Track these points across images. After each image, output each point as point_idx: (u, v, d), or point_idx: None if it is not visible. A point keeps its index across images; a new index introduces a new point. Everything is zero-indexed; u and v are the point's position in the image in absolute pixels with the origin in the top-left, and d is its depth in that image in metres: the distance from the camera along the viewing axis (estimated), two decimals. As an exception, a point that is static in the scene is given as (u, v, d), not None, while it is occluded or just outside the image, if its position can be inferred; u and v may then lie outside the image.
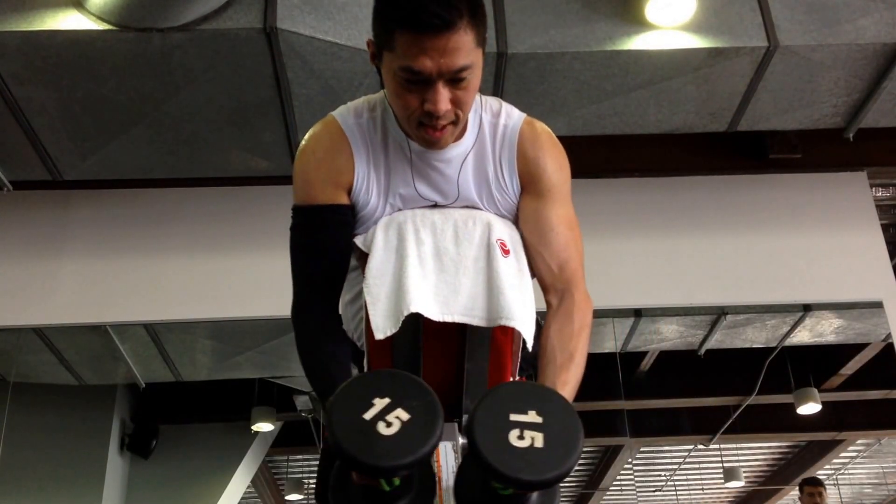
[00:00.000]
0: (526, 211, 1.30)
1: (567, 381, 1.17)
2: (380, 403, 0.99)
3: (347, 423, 0.98)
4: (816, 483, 4.65)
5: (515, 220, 1.34)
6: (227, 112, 3.04)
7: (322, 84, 2.88)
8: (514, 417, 0.99)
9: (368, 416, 0.98)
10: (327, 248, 1.27)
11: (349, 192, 1.27)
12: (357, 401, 1.00)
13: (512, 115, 1.32)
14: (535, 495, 1.06)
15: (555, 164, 1.31)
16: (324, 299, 1.27)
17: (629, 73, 3.05)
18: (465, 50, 1.13)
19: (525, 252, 1.29)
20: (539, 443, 0.97)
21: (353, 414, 0.99)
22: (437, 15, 1.10)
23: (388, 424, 0.98)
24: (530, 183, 1.30)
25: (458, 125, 1.22)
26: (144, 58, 2.75)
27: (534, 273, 1.29)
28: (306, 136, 1.31)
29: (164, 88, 2.89)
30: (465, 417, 1.29)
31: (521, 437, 0.98)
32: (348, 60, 2.80)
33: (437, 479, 1.16)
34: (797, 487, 4.78)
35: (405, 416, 0.98)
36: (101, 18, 2.64)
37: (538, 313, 1.27)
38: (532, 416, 1.00)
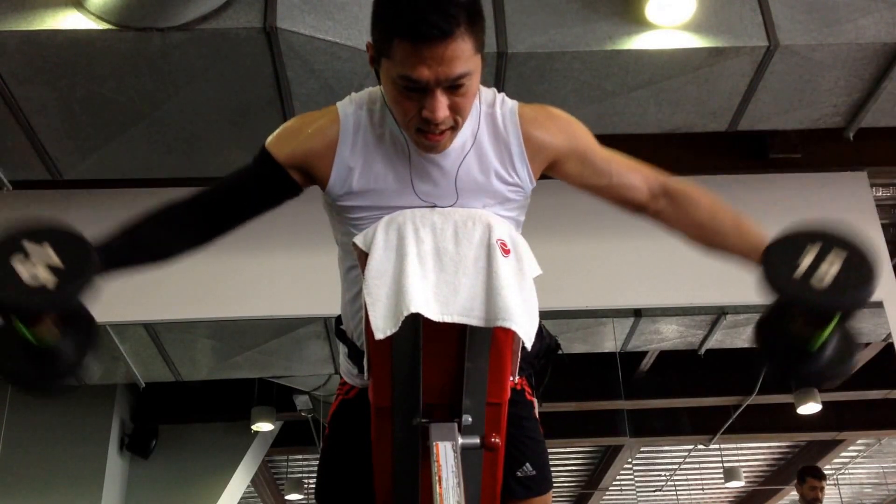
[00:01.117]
0: (574, 171, 1.35)
1: (750, 227, 1.28)
2: (30, 249, 1.05)
3: None
4: (820, 476, 4.32)
5: (521, 207, 1.36)
6: (227, 112, 3.04)
7: (322, 84, 2.88)
8: (807, 257, 1.06)
9: (15, 260, 1.03)
10: (247, 190, 1.31)
11: (311, 176, 1.30)
12: (9, 245, 1.06)
13: (506, 103, 1.33)
14: (832, 347, 1.10)
15: (572, 123, 1.35)
16: (198, 210, 1.31)
17: (629, 73, 3.05)
18: (464, 58, 1.14)
19: (608, 199, 1.37)
20: (840, 266, 1.04)
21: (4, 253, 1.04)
22: (435, 25, 1.10)
23: (32, 269, 1.03)
24: (556, 155, 1.33)
25: (457, 130, 1.23)
26: (144, 57, 2.74)
27: (627, 206, 1.37)
28: (310, 112, 1.34)
29: (164, 88, 2.89)
30: (465, 418, 1.28)
31: (823, 273, 1.04)
32: (348, 60, 2.80)
33: (437, 478, 1.16)
34: (796, 475, 4.47)
35: (56, 261, 1.05)
36: (100, 18, 2.64)
37: (543, 312, 1.27)
38: (817, 249, 1.07)
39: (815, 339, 1.09)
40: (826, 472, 7.93)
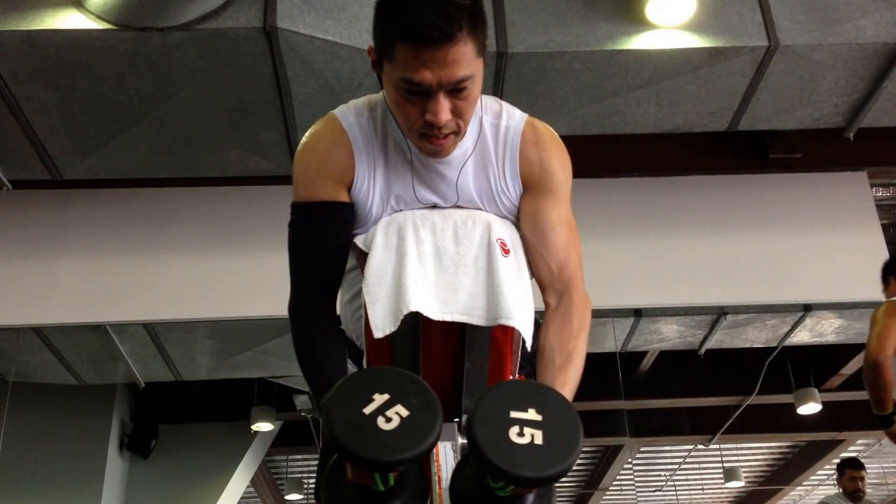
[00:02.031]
0: (526, 210, 1.30)
1: (566, 381, 1.17)
2: (379, 399, 0.99)
3: (347, 417, 0.98)
4: (858, 466, 4.29)
5: (516, 220, 1.34)
6: (227, 112, 3.04)
7: (322, 83, 2.88)
8: (514, 414, 0.99)
9: (368, 410, 0.98)
10: (327, 245, 1.27)
11: (349, 189, 1.27)
12: (357, 396, 1.00)
13: (513, 117, 1.31)
14: (531, 496, 1.06)
15: (557, 165, 1.31)
16: (321, 296, 1.26)
17: (629, 73, 3.05)
18: (466, 61, 1.13)
19: (526, 251, 1.29)
20: (539, 440, 0.98)
21: (352, 408, 0.99)
22: (436, 28, 1.09)
23: (388, 420, 0.98)
24: (532, 183, 1.30)
25: (460, 135, 1.22)
26: (144, 57, 2.74)
27: (533, 273, 1.29)
28: (307, 134, 1.31)
29: (164, 88, 2.89)
30: (465, 417, 1.29)
31: (521, 434, 0.98)
32: (348, 60, 2.80)
33: (437, 478, 1.16)
34: (835, 469, 4.42)
35: (405, 412, 0.98)
36: (100, 18, 2.64)
37: (537, 312, 1.27)
38: (532, 414, 1.00)
39: (503, 490, 1.03)
40: (826, 472, 7.95)
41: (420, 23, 1.09)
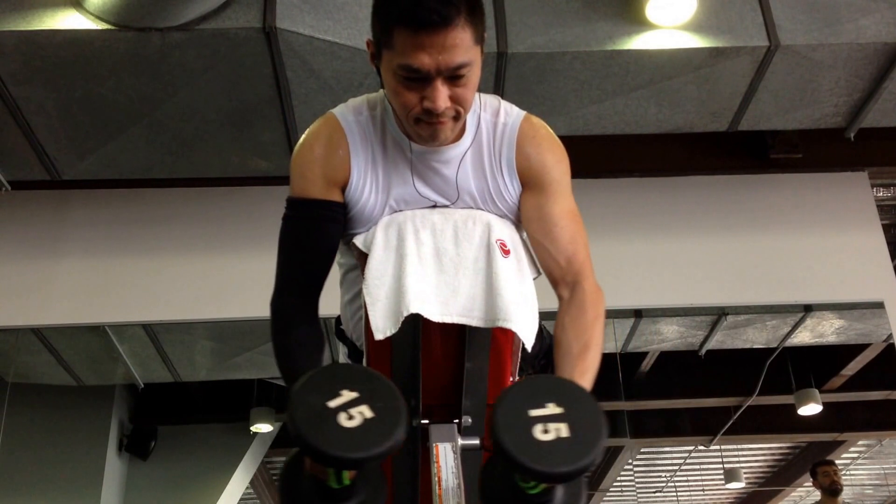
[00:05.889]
0: (529, 207, 1.30)
1: (585, 370, 1.17)
2: (347, 396, 0.98)
3: (309, 407, 0.97)
4: (829, 462, 4.50)
5: (517, 220, 1.34)
6: (227, 112, 3.03)
7: (322, 84, 2.87)
8: (534, 413, 0.98)
9: (333, 404, 0.97)
10: (314, 242, 1.27)
11: (344, 189, 1.27)
12: (324, 388, 0.99)
13: (511, 114, 1.31)
14: (560, 492, 1.05)
15: (554, 159, 1.31)
16: (302, 291, 1.27)
17: (630, 73, 3.04)
18: (464, 47, 1.14)
19: (532, 248, 1.30)
20: (564, 433, 0.97)
21: (317, 399, 0.98)
22: (435, 11, 1.10)
23: (350, 417, 0.97)
24: (531, 179, 1.30)
25: (459, 121, 1.22)
26: (143, 57, 2.74)
27: (543, 269, 1.29)
28: (306, 132, 1.31)
29: (163, 88, 2.88)
30: (466, 419, 1.28)
31: (545, 431, 0.97)
32: (348, 60, 2.80)
33: (437, 479, 1.16)
34: (810, 474, 4.59)
35: (369, 413, 0.97)
36: (99, 18, 2.64)
37: (543, 312, 1.26)
38: (552, 409, 0.99)
39: (534, 489, 1.04)
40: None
41: (418, 7, 1.10)
